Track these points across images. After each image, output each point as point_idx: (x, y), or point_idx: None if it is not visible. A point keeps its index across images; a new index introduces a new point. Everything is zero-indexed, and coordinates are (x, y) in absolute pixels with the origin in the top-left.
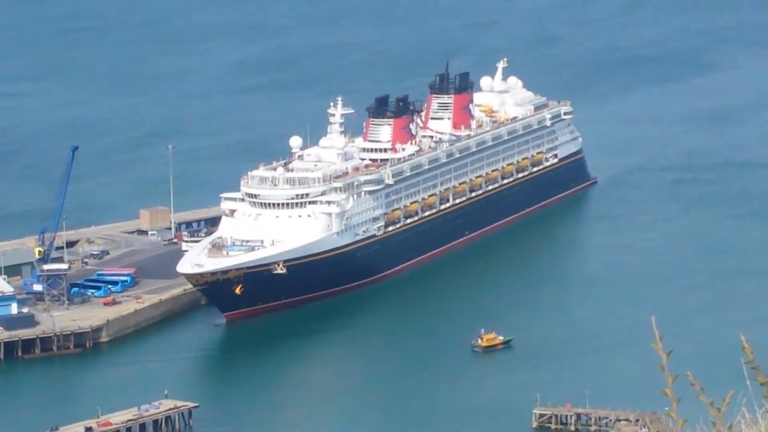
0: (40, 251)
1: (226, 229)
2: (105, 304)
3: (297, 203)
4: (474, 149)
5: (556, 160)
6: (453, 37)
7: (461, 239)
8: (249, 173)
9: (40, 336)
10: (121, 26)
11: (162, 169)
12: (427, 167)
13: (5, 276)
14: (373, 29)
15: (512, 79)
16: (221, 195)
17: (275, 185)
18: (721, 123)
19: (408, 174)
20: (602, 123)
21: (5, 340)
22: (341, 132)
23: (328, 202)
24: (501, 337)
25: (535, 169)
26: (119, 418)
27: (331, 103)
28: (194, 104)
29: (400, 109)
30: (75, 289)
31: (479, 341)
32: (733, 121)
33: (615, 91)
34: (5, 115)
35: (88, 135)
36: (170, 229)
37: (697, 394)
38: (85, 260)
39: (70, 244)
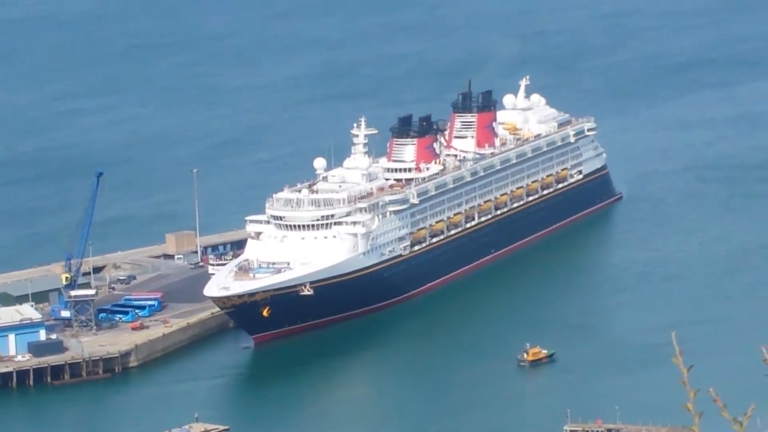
0: (67, 277)
1: (252, 252)
2: (133, 328)
3: (322, 224)
4: (498, 167)
5: (581, 177)
6: (480, 52)
7: (488, 257)
8: (274, 195)
9: (69, 362)
10: (181, 43)
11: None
12: (451, 186)
13: (33, 303)
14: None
15: (535, 97)
16: (247, 218)
17: (300, 207)
18: (751, 128)
19: (433, 193)
20: (628, 137)
21: (34, 367)
22: (365, 152)
23: (354, 223)
24: (545, 351)
25: (560, 185)
26: None
27: (354, 124)
28: (253, 118)
29: (424, 129)
30: (102, 315)
31: (525, 356)
32: (763, 125)
33: (640, 104)
34: (66, 134)
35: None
36: (196, 252)
37: (720, 410)
38: (112, 285)
39: (97, 269)
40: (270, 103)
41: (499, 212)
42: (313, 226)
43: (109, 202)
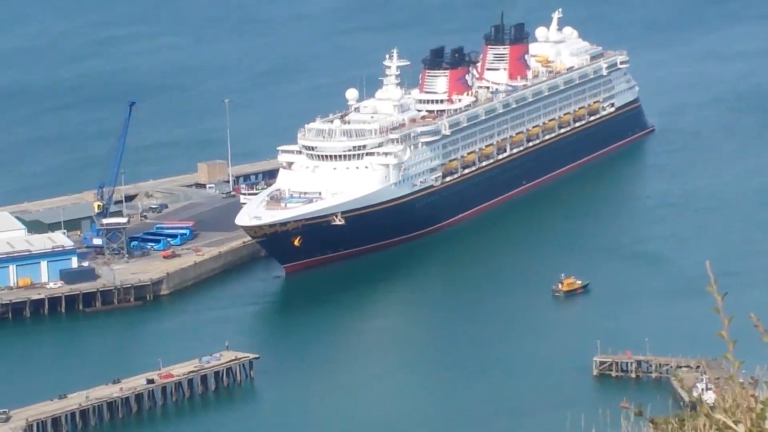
0: (99, 205)
1: (284, 182)
2: (164, 257)
3: (354, 155)
4: (530, 99)
5: (613, 109)
6: None
7: (519, 189)
8: (306, 126)
9: (100, 289)
10: None
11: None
12: (483, 117)
13: (65, 230)
14: None
15: (567, 29)
16: (279, 147)
17: (332, 137)
18: None
19: (465, 125)
20: (660, 70)
21: (66, 294)
22: (397, 84)
23: (386, 154)
24: (580, 282)
25: (592, 118)
26: (180, 369)
27: (387, 55)
28: (286, 49)
29: (456, 61)
30: (134, 243)
31: (559, 286)
32: None
33: (673, 37)
34: (103, 61)
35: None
36: (228, 182)
37: (761, 335)
38: (144, 214)
39: (129, 198)
40: (303, 35)
41: (531, 144)
42: (344, 156)
43: (143, 131)
